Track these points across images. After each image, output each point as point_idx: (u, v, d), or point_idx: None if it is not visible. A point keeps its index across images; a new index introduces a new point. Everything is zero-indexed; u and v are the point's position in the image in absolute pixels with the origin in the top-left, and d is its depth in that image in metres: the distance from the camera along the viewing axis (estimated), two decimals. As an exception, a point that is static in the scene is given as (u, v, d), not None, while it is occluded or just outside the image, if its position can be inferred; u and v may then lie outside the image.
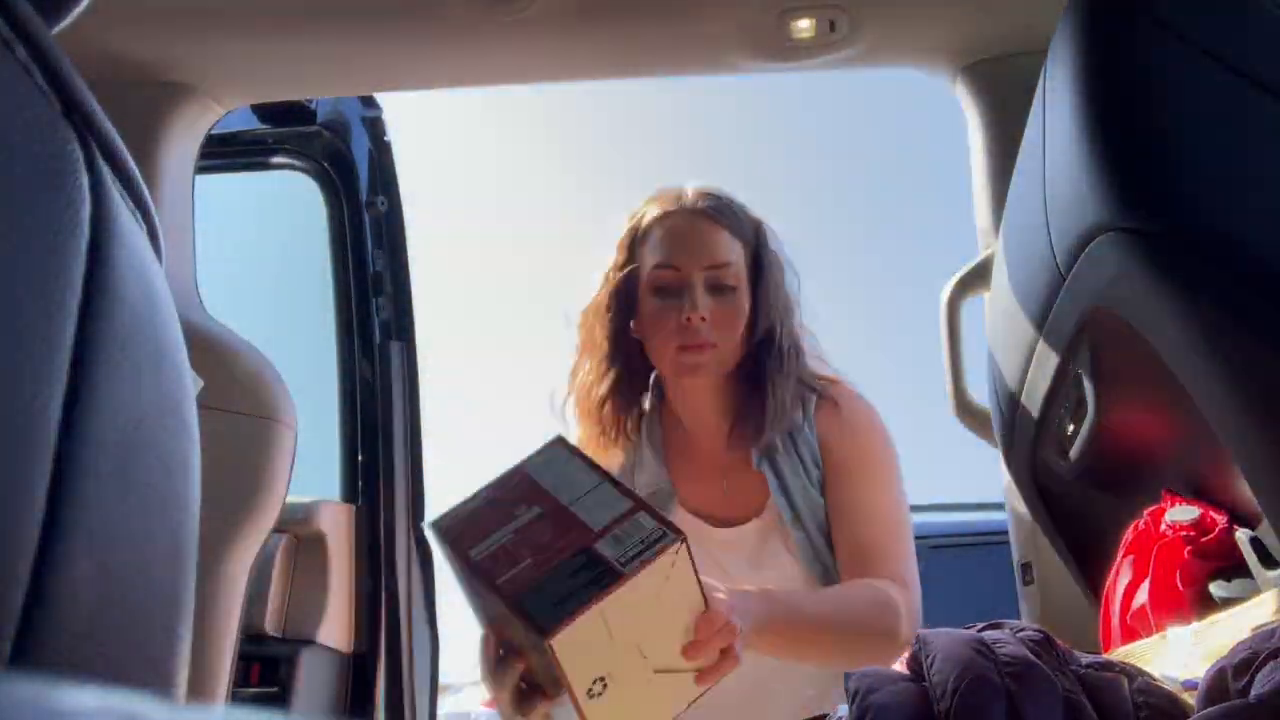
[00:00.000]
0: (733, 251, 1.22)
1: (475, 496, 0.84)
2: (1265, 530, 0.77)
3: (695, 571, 0.75)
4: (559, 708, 0.77)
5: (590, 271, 1.31)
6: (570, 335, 1.32)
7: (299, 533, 1.56)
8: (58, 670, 0.31)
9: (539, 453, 0.85)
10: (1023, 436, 1.01)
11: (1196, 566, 0.80)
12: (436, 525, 0.84)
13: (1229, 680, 0.55)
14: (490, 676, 0.83)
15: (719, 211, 1.23)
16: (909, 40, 1.35)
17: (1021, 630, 0.63)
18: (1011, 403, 1.01)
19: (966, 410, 1.35)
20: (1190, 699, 0.59)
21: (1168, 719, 0.57)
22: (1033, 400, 0.94)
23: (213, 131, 1.45)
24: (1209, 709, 0.51)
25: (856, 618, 1.09)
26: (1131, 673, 0.61)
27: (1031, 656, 0.59)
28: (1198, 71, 0.67)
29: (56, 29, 0.40)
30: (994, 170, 1.35)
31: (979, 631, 0.64)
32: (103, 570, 0.33)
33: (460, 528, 0.81)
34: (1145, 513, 0.87)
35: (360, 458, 1.70)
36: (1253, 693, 0.52)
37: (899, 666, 0.66)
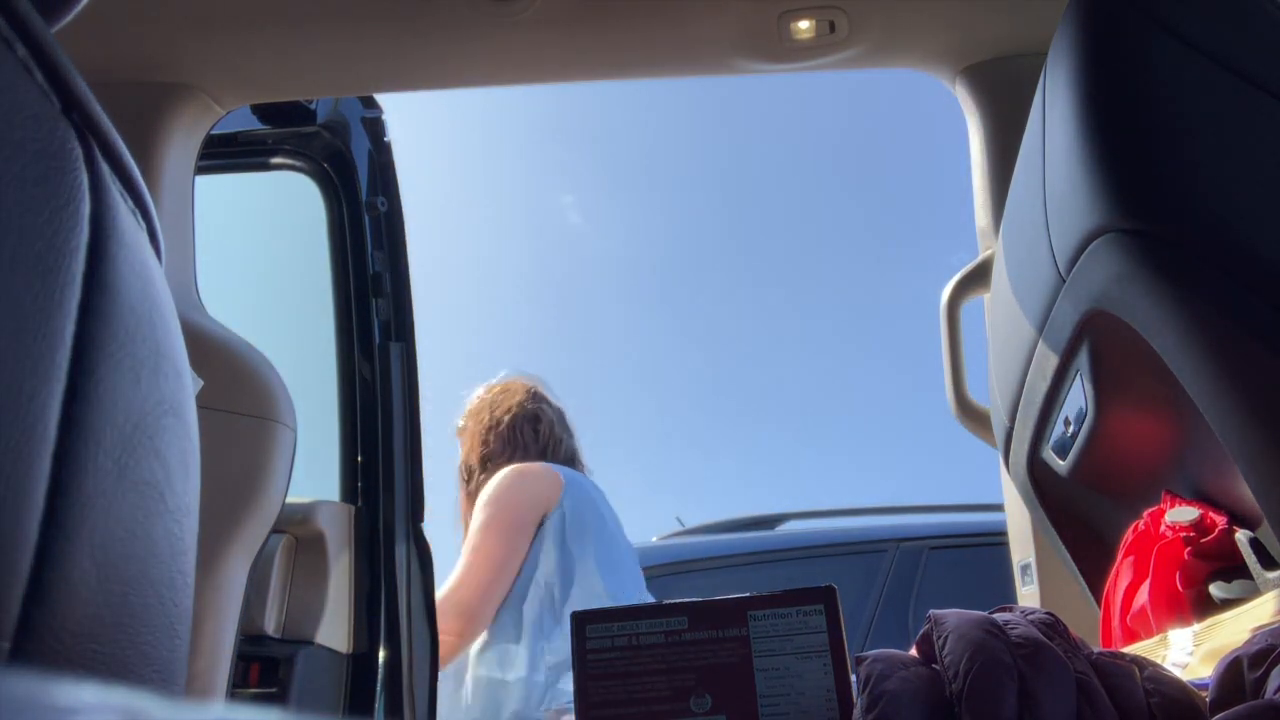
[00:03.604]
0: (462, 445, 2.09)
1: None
2: (1265, 531, 0.77)
3: None
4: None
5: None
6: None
7: (299, 533, 1.56)
8: (57, 668, 0.31)
9: None
10: (1022, 437, 1.01)
11: (1196, 567, 0.80)
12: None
13: (1244, 669, 0.55)
14: None
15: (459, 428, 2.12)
16: (908, 41, 1.35)
17: (1031, 614, 0.63)
18: (1011, 403, 1.01)
19: (966, 410, 1.35)
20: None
21: (1179, 707, 0.57)
22: (1033, 400, 0.94)
23: (213, 131, 1.45)
24: (1235, 708, 0.51)
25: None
26: (1142, 663, 0.61)
27: (1043, 638, 0.58)
28: (1197, 72, 0.67)
29: (56, 28, 0.40)
30: (994, 171, 1.35)
31: (990, 614, 0.64)
32: (103, 570, 0.33)
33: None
34: (1145, 514, 0.87)
35: (360, 459, 1.70)
36: (1270, 690, 0.52)
37: (911, 650, 0.65)
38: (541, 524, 1.87)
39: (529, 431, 2.01)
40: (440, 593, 1.85)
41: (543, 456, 1.99)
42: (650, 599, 2.04)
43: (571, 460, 2.05)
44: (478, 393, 2.12)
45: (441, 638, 1.76)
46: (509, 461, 1.98)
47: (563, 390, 2.15)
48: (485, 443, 2.02)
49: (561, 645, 1.76)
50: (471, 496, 1.99)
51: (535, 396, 2.08)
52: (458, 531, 2.03)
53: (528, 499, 1.88)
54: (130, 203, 0.38)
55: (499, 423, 2.02)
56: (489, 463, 1.99)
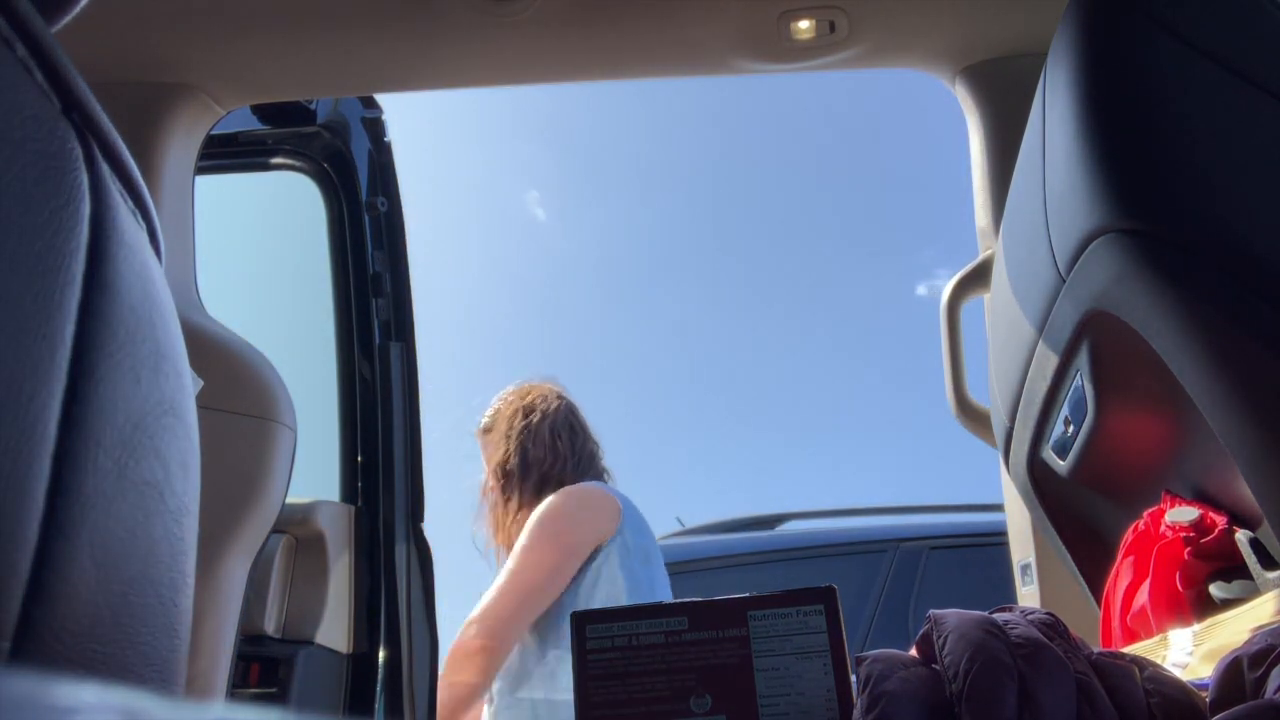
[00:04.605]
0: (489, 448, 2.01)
1: None
2: (1265, 531, 0.77)
3: None
4: None
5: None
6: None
7: (299, 533, 1.56)
8: (57, 669, 0.31)
9: None
10: (1022, 437, 1.01)
11: (1196, 568, 0.80)
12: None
13: (1244, 669, 0.55)
14: None
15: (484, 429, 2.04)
16: (908, 41, 1.35)
17: (1031, 614, 0.63)
18: (1011, 403, 1.01)
19: (966, 410, 1.35)
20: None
21: (1179, 707, 0.57)
22: (1033, 400, 0.94)
23: (213, 131, 1.45)
24: (1235, 708, 0.51)
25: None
26: (1142, 663, 0.61)
27: (1043, 638, 0.58)
28: (1198, 72, 0.67)
29: (56, 28, 0.40)
30: (994, 171, 1.35)
31: (990, 614, 0.64)
32: (103, 570, 0.33)
33: None
34: (1145, 514, 0.87)
35: (360, 458, 1.70)
36: (1270, 690, 0.51)
37: (911, 650, 0.65)
38: (597, 550, 1.82)
39: (566, 441, 1.95)
40: (479, 605, 1.78)
41: (579, 468, 1.94)
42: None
43: (602, 474, 2.00)
44: (503, 395, 2.05)
45: (469, 648, 1.70)
46: (550, 469, 1.91)
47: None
48: (523, 447, 1.93)
49: None
50: (509, 504, 1.91)
51: (567, 405, 2.01)
52: (479, 538, 1.97)
53: (587, 526, 1.83)
54: (130, 203, 0.38)
55: (536, 428, 1.95)
56: (530, 469, 1.92)
